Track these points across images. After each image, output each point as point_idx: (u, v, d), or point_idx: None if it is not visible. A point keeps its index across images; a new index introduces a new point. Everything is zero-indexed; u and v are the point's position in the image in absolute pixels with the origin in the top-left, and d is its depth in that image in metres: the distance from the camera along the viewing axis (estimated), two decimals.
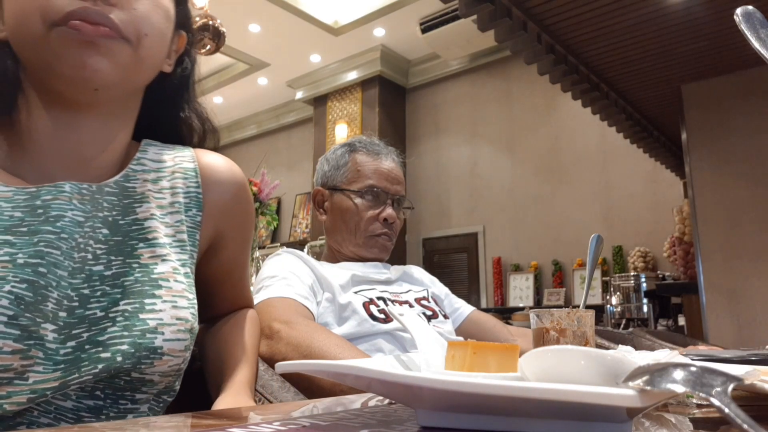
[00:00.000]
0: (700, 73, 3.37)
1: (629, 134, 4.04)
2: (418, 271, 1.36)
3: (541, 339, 0.77)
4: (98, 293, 0.53)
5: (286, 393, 0.81)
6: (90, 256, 0.54)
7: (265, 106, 7.70)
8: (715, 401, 0.26)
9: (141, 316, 0.54)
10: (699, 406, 0.48)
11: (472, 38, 5.48)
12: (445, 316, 1.24)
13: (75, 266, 0.53)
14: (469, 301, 1.43)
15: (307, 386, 0.85)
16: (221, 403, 0.60)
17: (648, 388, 0.29)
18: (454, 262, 6.16)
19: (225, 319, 0.76)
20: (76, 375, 0.50)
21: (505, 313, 5.03)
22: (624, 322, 4.24)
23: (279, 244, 6.91)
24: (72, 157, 0.58)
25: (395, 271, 1.29)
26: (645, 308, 4.26)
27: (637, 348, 0.98)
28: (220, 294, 0.75)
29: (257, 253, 3.77)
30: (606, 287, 4.71)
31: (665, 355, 0.58)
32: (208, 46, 3.12)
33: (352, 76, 6.46)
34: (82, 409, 0.52)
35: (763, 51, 0.53)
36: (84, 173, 0.59)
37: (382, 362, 0.47)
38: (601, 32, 2.85)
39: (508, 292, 5.68)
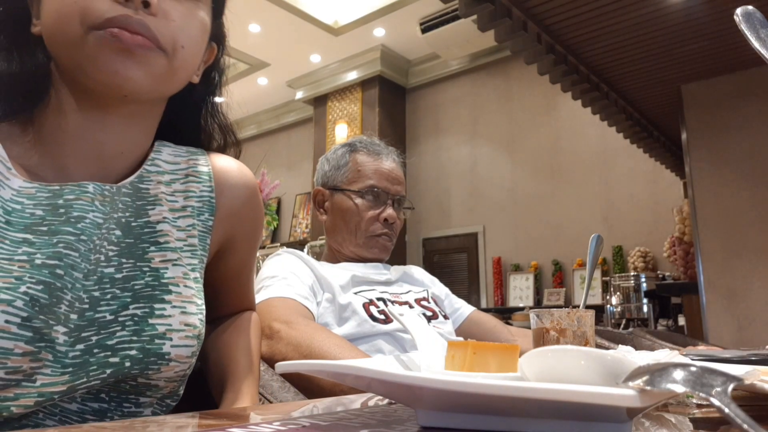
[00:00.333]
0: (700, 73, 3.37)
1: (629, 134, 4.04)
2: (418, 272, 1.36)
3: (541, 339, 0.77)
4: (108, 296, 0.53)
5: (286, 393, 0.81)
6: (103, 258, 0.54)
7: (265, 106, 7.70)
8: (715, 401, 0.26)
9: (150, 321, 0.53)
10: (699, 406, 0.48)
11: (472, 38, 5.48)
12: (445, 317, 1.24)
13: (90, 268, 0.53)
14: (469, 301, 1.43)
15: (307, 386, 0.85)
16: None
17: (648, 388, 0.29)
18: (454, 262, 6.15)
19: (229, 322, 0.75)
20: (85, 379, 0.50)
21: (505, 313, 5.03)
22: (624, 322, 4.24)
23: (279, 244, 6.91)
24: (93, 157, 0.58)
25: (395, 271, 1.29)
26: (645, 308, 4.26)
27: (637, 348, 0.98)
28: (225, 296, 0.75)
29: (257, 253, 3.77)
30: (606, 287, 4.70)
31: (665, 355, 0.58)
32: None
33: (352, 76, 6.46)
34: (87, 411, 0.52)
35: (763, 51, 0.53)
36: (102, 173, 0.58)
37: (382, 362, 0.47)
38: (601, 32, 2.85)
39: (508, 292, 5.68)
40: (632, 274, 4.44)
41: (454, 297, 1.39)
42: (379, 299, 1.14)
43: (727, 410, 0.25)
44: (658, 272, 4.64)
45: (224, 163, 0.68)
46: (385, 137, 1.48)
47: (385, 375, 0.35)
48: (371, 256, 1.26)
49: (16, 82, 0.56)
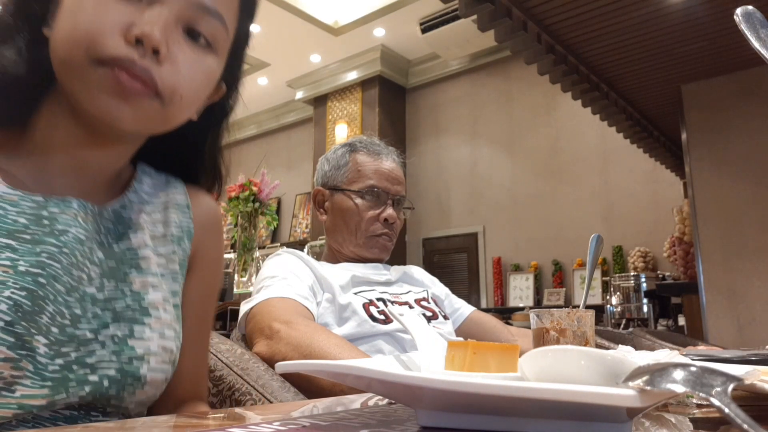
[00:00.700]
0: (700, 73, 3.37)
1: (629, 134, 4.04)
2: (418, 272, 1.36)
3: (541, 339, 0.77)
4: (89, 314, 0.53)
5: (286, 393, 0.81)
6: (85, 277, 0.54)
7: (265, 106, 7.70)
8: (715, 401, 0.26)
9: (129, 342, 0.54)
10: (699, 406, 0.48)
11: (472, 38, 5.48)
12: (445, 317, 1.24)
13: (72, 284, 0.52)
14: (469, 301, 1.43)
15: (307, 386, 0.85)
16: None
17: (648, 388, 0.29)
18: (454, 262, 6.15)
19: None
20: (64, 395, 0.49)
21: (505, 313, 5.03)
22: (624, 322, 4.24)
23: (279, 244, 6.91)
24: (77, 172, 0.58)
25: (395, 271, 1.29)
26: (645, 308, 4.26)
27: (637, 348, 0.98)
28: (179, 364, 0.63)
29: (257, 253, 3.77)
30: (606, 287, 4.70)
31: (665, 355, 0.58)
32: None
33: (352, 76, 6.46)
34: (59, 419, 0.52)
35: (763, 51, 0.53)
36: (84, 188, 0.59)
37: (382, 362, 0.47)
38: (601, 32, 2.85)
39: (508, 292, 5.68)
40: (632, 274, 4.44)
41: (454, 297, 1.39)
42: (379, 299, 1.14)
43: (727, 410, 0.25)
44: (658, 272, 4.64)
45: (202, 198, 0.69)
46: (385, 137, 1.48)
47: (385, 375, 0.35)
48: (371, 256, 1.26)
49: (18, 85, 0.55)
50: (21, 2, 0.56)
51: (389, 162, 1.30)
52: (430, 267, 6.02)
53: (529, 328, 0.89)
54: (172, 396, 0.62)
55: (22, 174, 0.56)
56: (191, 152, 0.69)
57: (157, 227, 0.63)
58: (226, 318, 3.51)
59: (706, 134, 3.46)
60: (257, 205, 3.61)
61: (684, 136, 3.57)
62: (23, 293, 0.48)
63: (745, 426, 0.24)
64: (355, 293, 1.13)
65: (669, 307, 4.40)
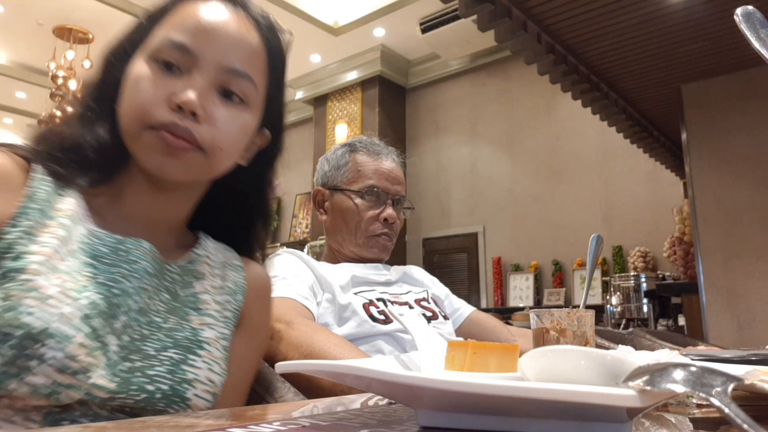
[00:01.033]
0: (700, 73, 3.36)
1: (629, 134, 4.04)
2: (418, 272, 1.36)
3: (541, 339, 0.77)
4: (154, 338, 0.62)
5: (286, 393, 0.81)
6: (153, 308, 0.64)
7: None
8: (715, 401, 0.26)
9: (183, 366, 0.61)
10: (699, 406, 0.48)
11: (472, 38, 5.48)
12: (445, 317, 1.24)
13: (142, 306, 0.62)
14: (469, 301, 1.43)
15: (307, 386, 0.85)
16: None
17: (648, 388, 0.29)
18: (454, 262, 6.15)
19: None
20: (125, 395, 0.56)
21: (505, 313, 5.03)
22: (624, 322, 4.24)
23: (279, 244, 6.91)
24: (147, 218, 0.70)
25: (395, 271, 1.29)
26: (645, 308, 4.26)
27: (637, 348, 0.98)
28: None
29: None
30: (606, 287, 4.70)
31: (665, 355, 0.58)
32: None
33: (352, 76, 6.46)
34: (116, 419, 0.58)
35: (763, 51, 0.53)
36: (153, 233, 0.69)
37: (382, 362, 0.47)
38: (601, 32, 2.85)
39: (508, 292, 5.68)
40: (632, 274, 4.44)
41: (454, 297, 1.39)
42: (379, 299, 1.14)
43: (727, 410, 0.25)
44: (658, 272, 4.64)
45: (253, 267, 0.80)
46: (385, 137, 1.48)
47: (385, 375, 0.35)
48: (371, 256, 1.26)
49: (108, 153, 0.67)
50: (102, 90, 0.69)
51: (389, 162, 1.30)
52: (430, 267, 6.02)
53: (529, 328, 0.89)
54: None
55: (110, 218, 0.68)
56: (243, 226, 0.81)
57: (216, 279, 0.73)
58: None
59: (706, 134, 3.46)
60: None
61: (684, 136, 3.57)
62: (100, 296, 0.57)
63: (745, 426, 0.24)
64: (355, 293, 1.13)
65: (669, 307, 4.39)
